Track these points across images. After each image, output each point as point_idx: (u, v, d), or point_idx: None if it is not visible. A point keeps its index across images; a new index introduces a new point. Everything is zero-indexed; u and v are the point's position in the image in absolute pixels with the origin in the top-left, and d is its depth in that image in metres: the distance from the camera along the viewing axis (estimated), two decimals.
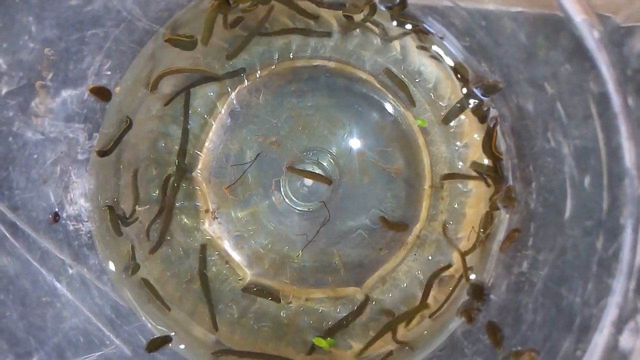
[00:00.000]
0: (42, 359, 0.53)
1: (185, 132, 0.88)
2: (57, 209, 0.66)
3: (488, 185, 0.75)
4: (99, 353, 0.61)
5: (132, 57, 0.71)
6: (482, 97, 0.69)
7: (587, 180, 0.45)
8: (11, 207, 0.57)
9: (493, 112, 0.68)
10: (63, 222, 0.66)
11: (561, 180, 0.51)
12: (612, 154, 0.41)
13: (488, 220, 0.74)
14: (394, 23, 0.82)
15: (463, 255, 0.77)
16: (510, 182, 0.68)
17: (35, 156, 0.61)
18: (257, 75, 0.90)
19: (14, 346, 0.51)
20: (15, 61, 0.52)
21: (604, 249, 0.41)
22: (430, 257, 0.88)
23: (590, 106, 0.42)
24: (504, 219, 0.69)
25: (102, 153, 0.77)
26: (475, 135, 0.80)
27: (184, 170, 0.88)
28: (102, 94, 0.70)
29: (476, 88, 0.69)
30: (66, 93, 0.61)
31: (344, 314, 0.88)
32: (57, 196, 0.65)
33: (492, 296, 0.65)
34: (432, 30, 0.70)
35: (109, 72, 0.68)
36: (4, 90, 0.52)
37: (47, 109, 0.59)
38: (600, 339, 0.39)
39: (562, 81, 0.46)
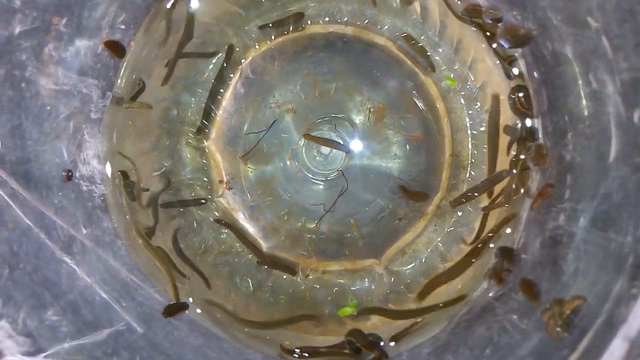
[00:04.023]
0: (57, 313, 0.50)
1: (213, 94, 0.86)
2: (69, 167, 0.63)
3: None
4: (115, 328, 0.59)
5: (146, 12, 0.69)
6: (512, 51, 0.66)
7: (636, 115, 0.42)
8: (23, 157, 0.54)
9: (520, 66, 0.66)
10: (76, 181, 0.64)
11: (604, 122, 0.48)
12: None
13: (517, 182, 0.72)
14: None
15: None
16: (541, 139, 0.65)
17: (49, 108, 0.58)
18: (271, 39, 0.87)
19: (29, 298, 0.49)
20: None
21: None
22: (451, 228, 0.85)
23: None
24: (535, 178, 0.66)
25: (117, 101, 0.75)
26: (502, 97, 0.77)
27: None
28: (116, 49, 0.67)
29: (505, 41, 0.66)
30: (80, 43, 0.58)
31: (362, 287, 0.86)
32: (70, 154, 0.63)
33: (523, 255, 0.62)
34: None
35: (122, 26, 0.66)
36: (18, 30, 0.49)
37: (60, 58, 0.56)
38: None
39: (609, 10, 0.43)
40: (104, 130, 0.72)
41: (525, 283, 0.56)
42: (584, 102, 0.52)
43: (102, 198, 0.69)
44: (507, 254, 0.65)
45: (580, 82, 0.51)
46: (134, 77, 0.77)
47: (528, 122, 0.68)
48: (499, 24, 0.65)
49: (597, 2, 0.44)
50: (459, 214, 0.85)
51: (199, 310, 0.74)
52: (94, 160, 0.67)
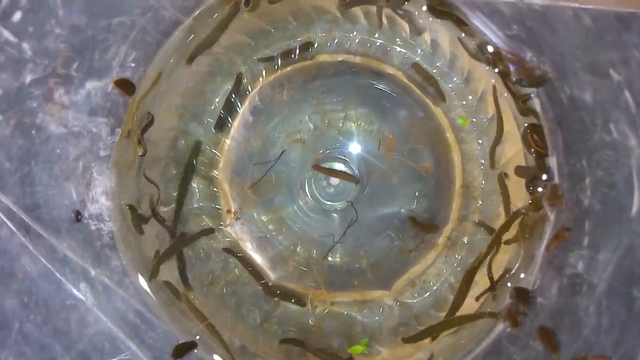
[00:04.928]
0: None
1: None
2: (78, 208, 0.62)
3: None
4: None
5: (157, 48, 0.68)
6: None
7: None
8: (33, 204, 0.53)
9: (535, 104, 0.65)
10: (85, 221, 0.63)
11: (625, 174, 0.47)
12: None
13: (530, 221, 0.71)
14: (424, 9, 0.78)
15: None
16: (556, 179, 0.64)
17: (58, 151, 0.57)
18: (277, 66, 0.87)
19: (39, 352, 0.48)
20: (41, 48, 0.49)
21: None
22: (461, 260, 0.84)
23: None
24: (550, 219, 0.66)
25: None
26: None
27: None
28: (126, 87, 0.67)
29: (519, 81, 0.65)
30: (90, 85, 0.58)
31: (372, 319, 0.85)
32: (79, 194, 0.62)
33: (539, 299, 0.61)
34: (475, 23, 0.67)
35: (133, 64, 0.65)
36: (29, 79, 0.49)
37: (70, 101, 0.55)
38: None
39: (633, 66, 0.43)
40: (113, 167, 0.71)
41: (544, 331, 0.55)
42: (603, 149, 0.51)
43: (110, 235, 0.68)
44: (522, 295, 0.64)
45: (599, 129, 0.51)
46: (143, 111, 0.77)
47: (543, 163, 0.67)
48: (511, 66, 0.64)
49: (621, 56, 0.43)
50: (465, 240, 0.84)
51: (216, 357, 0.73)
52: (103, 197, 0.67)
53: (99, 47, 0.58)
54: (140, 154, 0.71)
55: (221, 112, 0.86)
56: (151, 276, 0.75)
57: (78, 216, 0.61)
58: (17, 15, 0.46)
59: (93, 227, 0.65)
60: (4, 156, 0.51)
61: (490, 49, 0.66)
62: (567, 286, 0.55)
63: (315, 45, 0.87)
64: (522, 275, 0.66)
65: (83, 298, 0.57)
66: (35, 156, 0.54)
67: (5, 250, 0.50)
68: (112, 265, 0.67)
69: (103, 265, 0.65)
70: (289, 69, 0.88)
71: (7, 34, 0.46)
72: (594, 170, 0.54)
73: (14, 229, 0.52)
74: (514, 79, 0.66)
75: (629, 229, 0.46)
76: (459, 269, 0.84)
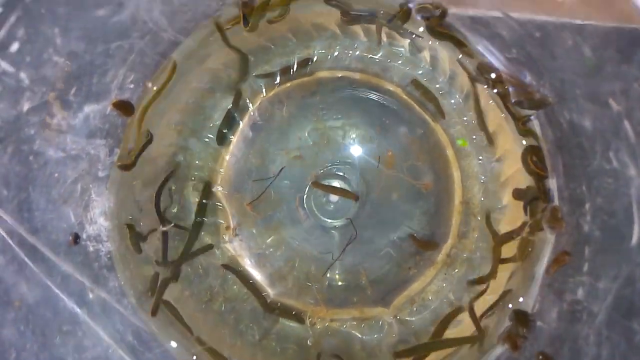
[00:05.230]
0: None
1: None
2: (76, 230, 0.62)
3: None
4: None
5: (155, 69, 0.68)
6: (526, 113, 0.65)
7: None
8: (31, 229, 0.53)
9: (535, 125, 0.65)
10: (83, 242, 0.63)
11: (625, 203, 0.47)
12: None
13: (527, 242, 0.70)
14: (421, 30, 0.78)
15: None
16: (556, 202, 0.64)
17: (56, 175, 0.57)
18: (276, 81, 0.86)
19: None
20: (38, 77, 0.49)
21: None
22: (460, 277, 0.84)
23: None
24: (549, 240, 0.65)
25: (124, 167, 0.74)
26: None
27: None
28: (124, 108, 0.66)
29: (518, 103, 0.65)
30: (89, 108, 0.58)
31: (371, 337, 0.85)
32: (77, 216, 0.62)
33: (539, 323, 0.61)
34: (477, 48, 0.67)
35: (132, 86, 0.65)
36: (26, 107, 0.49)
37: (69, 126, 0.55)
38: None
39: (633, 97, 0.42)
40: (112, 187, 0.71)
41: (544, 358, 0.55)
42: (603, 177, 0.51)
43: (108, 256, 0.68)
44: (522, 318, 0.64)
45: (599, 157, 0.50)
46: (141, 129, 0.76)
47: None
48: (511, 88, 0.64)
49: (621, 87, 0.43)
50: (464, 257, 0.84)
51: None
52: (101, 217, 0.66)
53: (97, 71, 0.58)
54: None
55: (221, 128, 0.86)
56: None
57: (76, 239, 0.61)
58: (15, 46, 0.46)
59: (91, 249, 0.65)
60: (1, 183, 0.51)
61: (492, 75, 0.66)
62: (567, 312, 0.55)
63: (315, 60, 0.87)
64: (521, 299, 0.65)
65: (85, 316, 0.57)
66: (32, 182, 0.53)
67: (1, 279, 0.49)
68: (110, 286, 0.67)
69: (101, 286, 0.65)
70: (288, 85, 0.88)
71: (5, 65, 0.45)
72: (594, 196, 0.54)
73: (14, 246, 0.52)
74: (513, 100, 0.66)
75: (629, 259, 0.46)
76: (458, 285, 0.84)
